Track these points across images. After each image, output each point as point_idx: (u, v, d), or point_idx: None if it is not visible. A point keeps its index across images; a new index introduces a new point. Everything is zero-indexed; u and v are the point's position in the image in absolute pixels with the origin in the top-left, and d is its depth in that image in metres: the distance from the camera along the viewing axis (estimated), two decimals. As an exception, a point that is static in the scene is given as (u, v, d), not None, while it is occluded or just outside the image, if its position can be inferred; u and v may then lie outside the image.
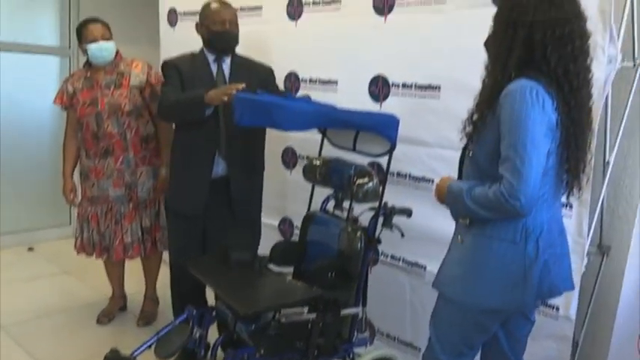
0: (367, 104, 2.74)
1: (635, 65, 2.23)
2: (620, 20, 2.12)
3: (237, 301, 2.07)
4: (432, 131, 2.53)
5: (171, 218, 2.79)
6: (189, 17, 3.66)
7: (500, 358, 1.95)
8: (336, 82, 2.94)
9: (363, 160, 2.48)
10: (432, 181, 2.43)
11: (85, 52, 2.95)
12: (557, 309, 2.28)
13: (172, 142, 2.74)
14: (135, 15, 4.54)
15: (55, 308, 3.38)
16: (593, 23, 2.06)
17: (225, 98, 2.25)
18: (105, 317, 3.24)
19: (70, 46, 4.57)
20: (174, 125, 2.79)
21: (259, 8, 3.24)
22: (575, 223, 2.21)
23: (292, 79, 3.13)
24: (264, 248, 2.60)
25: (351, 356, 2.33)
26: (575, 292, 2.22)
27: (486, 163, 1.66)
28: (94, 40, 2.88)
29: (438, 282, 1.83)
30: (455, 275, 1.76)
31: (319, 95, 2.92)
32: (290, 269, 2.49)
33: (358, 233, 2.23)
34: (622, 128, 2.26)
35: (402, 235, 2.25)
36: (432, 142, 2.53)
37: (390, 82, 2.71)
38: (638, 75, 2.23)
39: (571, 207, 2.21)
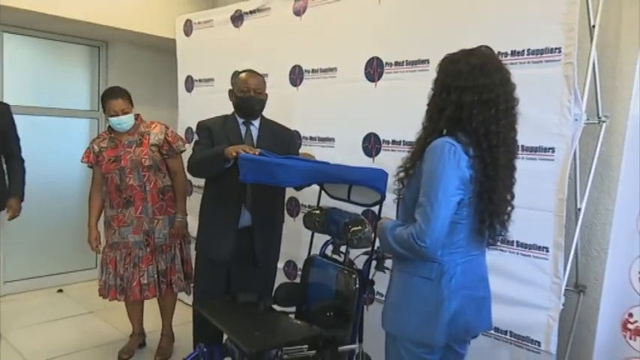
0: (361, 159, 2.77)
1: (599, 122, 2.26)
2: (583, 84, 2.16)
3: (243, 339, 2.04)
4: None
5: (200, 262, 2.75)
6: (203, 84, 3.76)
7: None
8: (333, 139, 2.98)
9: (358, 209, 2.48)
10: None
11: (107, 120, 3.03)
12: (539, 344, 2.24)
13: (203, 195, 2.75)
14: (156, 81, 4.63)
15: (80, 346, 3.33)
16: (559, 87, 2.12)
17: (235, 154, 2.26)
18: (126, 354, 3.19)
19: (98, 109, 4.66)
20: (204, 181, 2.78)
21: (265, 75, 3.31)
22: (552, 264, 2.19)
23: (296, 136, 3.16)
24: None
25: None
26: (555, 329, 2.19)
27: (412, 205, 1.66)
28: (115, 115, 2.95)
29: (382, 315, 1.80)
30: (386, 308, 1.75)
31: (319, 150, 2.97)
32: (292, 309, 2.46)
33: (353, 275, 2.21)
34: (591, 178, 2.27)
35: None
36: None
37: (381, 139, 2.74)
38: (603, 130, 2.26)
39: (547, 250, 2.20)
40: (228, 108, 2.70)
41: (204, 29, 3.78)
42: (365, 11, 2.82)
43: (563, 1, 2.09)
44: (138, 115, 3.10)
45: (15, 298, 3.64)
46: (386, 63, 2.71)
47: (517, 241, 2.28)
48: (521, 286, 2.27)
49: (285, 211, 3.22)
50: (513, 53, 2.24)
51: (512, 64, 2.24)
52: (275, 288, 2.47)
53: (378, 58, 2.75)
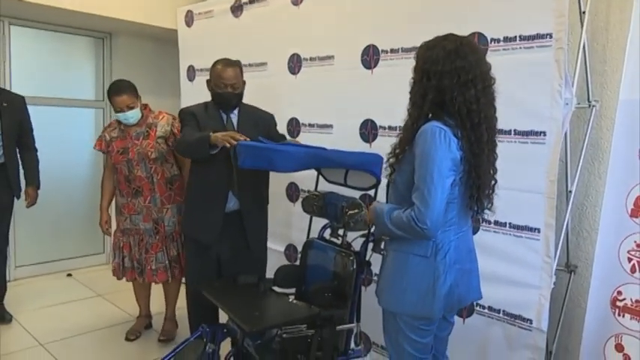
0: (359, 144, 2.76)
1: (589, 106, 2.25)
2: (574, 68, 2.14)
3: (244, 319, 2.05)
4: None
5: (187, 245, 2.78)
6: (204, 73, 3.72)
7: None
8: (331, 126, 2.97)
9: (355, 193, 2.48)
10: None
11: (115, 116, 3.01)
12: (531, 322, 2.25)
13: (188, 177, 2.76)
14: (159, 71, 4.62)
15: (89, 327, 3.37)
16: (551, 72, 2.10)
17: (228, 144, 2.26)
18: (132, 335, 3.22)
19: (103, 99, 4.65)
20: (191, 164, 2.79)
21: (265, 64, 3.30)
22: (543, 244, 2.19)
23: (294, 123, 3.16)
24: (271, 271, 2.59)
25: (347, 367, 2.29)
26: (546, 307, 2.20)
27: (404, 189, 1.69)
28: (120, 111, 2.92)
29: (377, 294, 1.82)
30: (383, 287, 1.77)
31: (317, 137, 2.96)
32: (292, 290, 2.47)
33: (350, 257, 2.21)
34: (581, 161, 2.27)
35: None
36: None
37: (378, 125, 2.73)
38: (593, 114, 2.25)
39: (539, 231, 2.20)
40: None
41: (204, 19, 3.76)
42: (361, 0, 2.80)
43: (554, -13, 2.07)
44: (146, 105, 3.07)
45: (26, 282, 3.68)
46: (382, 50, 2.69)
47: (509, 223, 2.28)
48: (513, 266, 2.27)
49: (285, 196, 3.25)
50: (505, 39, 2.22)
51: (504, 49, 2.24)
52: (275, 270, 2.47)
53: (374, 45, 2.73)
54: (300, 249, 2.85)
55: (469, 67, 1.60)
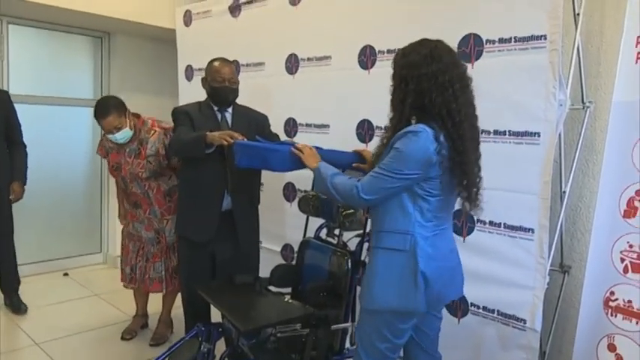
0: (355, 144, 2.77)
1: (583, 107, 2.27)
2: (568, 70, 2.16)
3: (239, 318, 2.06)
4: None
5: (181, 244, 2.76)
6: (202, 72, 3.73)
7: (414, 349, 1.94)
8: (328, 126, 2.98)
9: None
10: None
11: None
12: (525, 322, 2.26)
13: (180, 177, 2.74)
14: (157, 71, 4.61)
15: (85, 326, 3.36)
16: (545, 74, 2.12)
17: (225, 143, 2.27)
18: (128, 334, 3.21)
19: (102, 98, 4.67)
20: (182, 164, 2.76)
21: (262, 64, 3.32)
22: (537, 245, 2.21)
23: (291, 123, 3.17)
24: (267, 270, 2.60)
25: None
26: (540, 307, 2.21)
27: None
28: (109, 132, 2.81)
29: (359, 296, 1.85)
30: (366, 286, 1.79)
31: (314, 137, 2.97)
32: (288, 290, 2.48)
33: (346, 257, 2.22)
34: (575, 162, 2.28)
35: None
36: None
37: (374, 125, 2.75)
38: (587, 116, 2.27)
39: (533, 232, 2.22)
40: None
41: (203, 19, 3.77)
42: (358, 1, 2.82)
43: (549, -11, 2.09)
44: (138, 116, 2.95)
45: (22, 281, 3.67)
46: (378, 51, 2.71)
47: (504, 223, 2.30)
48: (507, 267, 2.29)
49: (282, 196, 3.26)
50: (500, 41, 2.24)
51: (499, 51, 2.26)
52: (271, 269, 2.48)
53: (370, 46, 2.75)
54: (296, 249, 2.87)
55: (445, 68, 1.64)
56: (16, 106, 3.46)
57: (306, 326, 2.10)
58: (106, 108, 2.76)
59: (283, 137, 3.05)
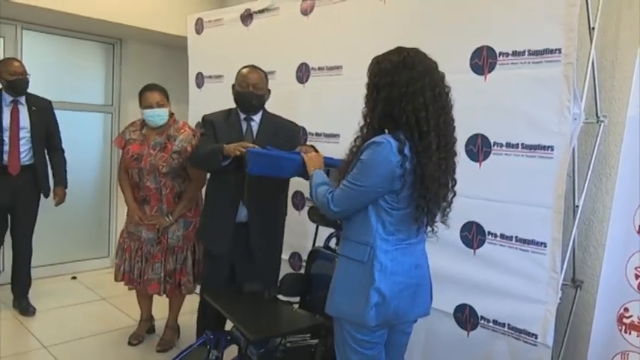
0: (365, 154, 2.75)
1: (598, 121, 2.24)
2: (582, 84, 2.14)
3: (248, 327, 2.04)
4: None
5: (204, 253, 2.80)
6: (213, 80, 3.75)
7: None
8: (338, 135, 2.96)
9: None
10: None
11: (142, 113, 2.95)
12: (536, 337, 2.23)
13: (206, 189, 2.76)
14: (168, 78, 4.57)
15: (92, 330, 3.35)
16: (559, 87, 2.10)
17: (238, 152, 2.28)
18: (135, 339, 3.20)
19: (112, 104, 4.67)
20: (207, 177, 2.81)
21: (273, 73, 3.30)
22: (550, 260, 2.18)
23: (302, 132, 3.16)
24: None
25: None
26: (552, 322, 2.18)
27: None
28: (149, 107, 2.87)
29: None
30: (329, 292, 1.77)
31: (324, 146, 2.94)
32: (297, 299, 2.46)
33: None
34: (589, 176, 2.25)
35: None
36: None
37: (385, 135, 2.72)
38: (601, 130, 2.24)
39: (545, 245, 2.19)
40: (236, 104, 2.68)
41: (214, 28, 3.77)
42: (370, 11, 2.81)
43: (564, 3, 2.07)
44: (172, 114, 3.01)
45: (31, 285, 3.69)
46: (390, 62, 2.69)
47: (516, 237, 2.27)
48: (519, 281, 2.26)
49: (291, 205, 3.23)
50: (514, 53, 2.22)
51: (513, 64, 2.24)
52: (280, 279, 2.46)
53: (382, 57, 2.73)
54: (304, 257, 2.85)
55: (418, 76, 1.60)
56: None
57: (316, 336, 2.08)
58: (156, 86, 2.97)
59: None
